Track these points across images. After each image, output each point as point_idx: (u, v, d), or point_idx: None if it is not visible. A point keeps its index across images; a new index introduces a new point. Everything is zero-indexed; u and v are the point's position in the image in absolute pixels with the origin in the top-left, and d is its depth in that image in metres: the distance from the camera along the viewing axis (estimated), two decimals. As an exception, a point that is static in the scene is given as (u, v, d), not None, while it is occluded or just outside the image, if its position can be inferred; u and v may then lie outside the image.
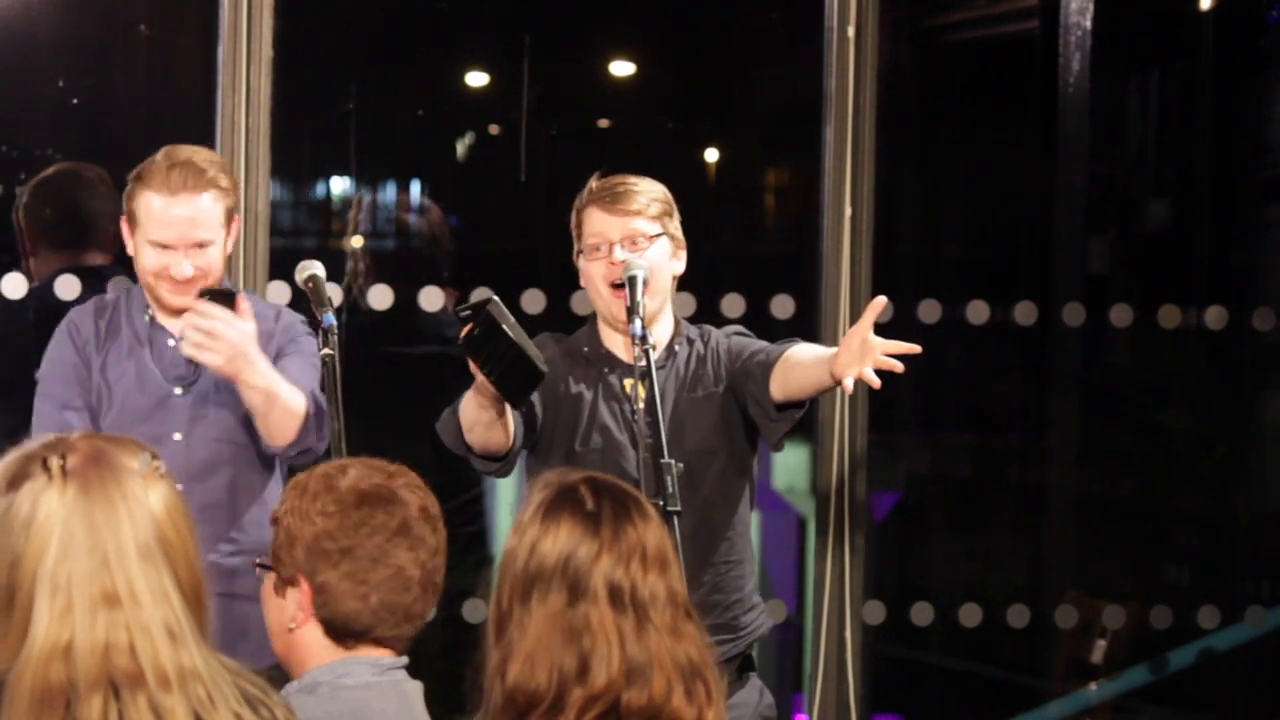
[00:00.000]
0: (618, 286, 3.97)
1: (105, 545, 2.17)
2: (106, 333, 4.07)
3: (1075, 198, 5.88)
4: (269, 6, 4.88)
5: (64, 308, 4.36)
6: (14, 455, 2.23)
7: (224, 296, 3.85)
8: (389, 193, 5.47)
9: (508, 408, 3.77)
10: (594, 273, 4.02)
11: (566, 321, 4.98)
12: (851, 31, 5.22)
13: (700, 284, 5.15)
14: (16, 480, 2.19)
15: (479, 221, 5.34)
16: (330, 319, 3.82)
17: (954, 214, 6.13)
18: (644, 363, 3.82)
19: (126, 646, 2.15)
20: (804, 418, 5.41)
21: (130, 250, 4.02)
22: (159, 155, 3.98)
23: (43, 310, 4.78)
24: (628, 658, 2.44)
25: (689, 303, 5.14)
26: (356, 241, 5.40)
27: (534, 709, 2.43)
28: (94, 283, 4.84)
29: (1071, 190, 5.87)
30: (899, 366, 3.74)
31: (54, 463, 2.19)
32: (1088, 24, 5.75)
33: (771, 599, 5.40)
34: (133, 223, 3.97)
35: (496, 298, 3.56)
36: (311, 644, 2.79)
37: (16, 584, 2.16)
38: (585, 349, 4.09)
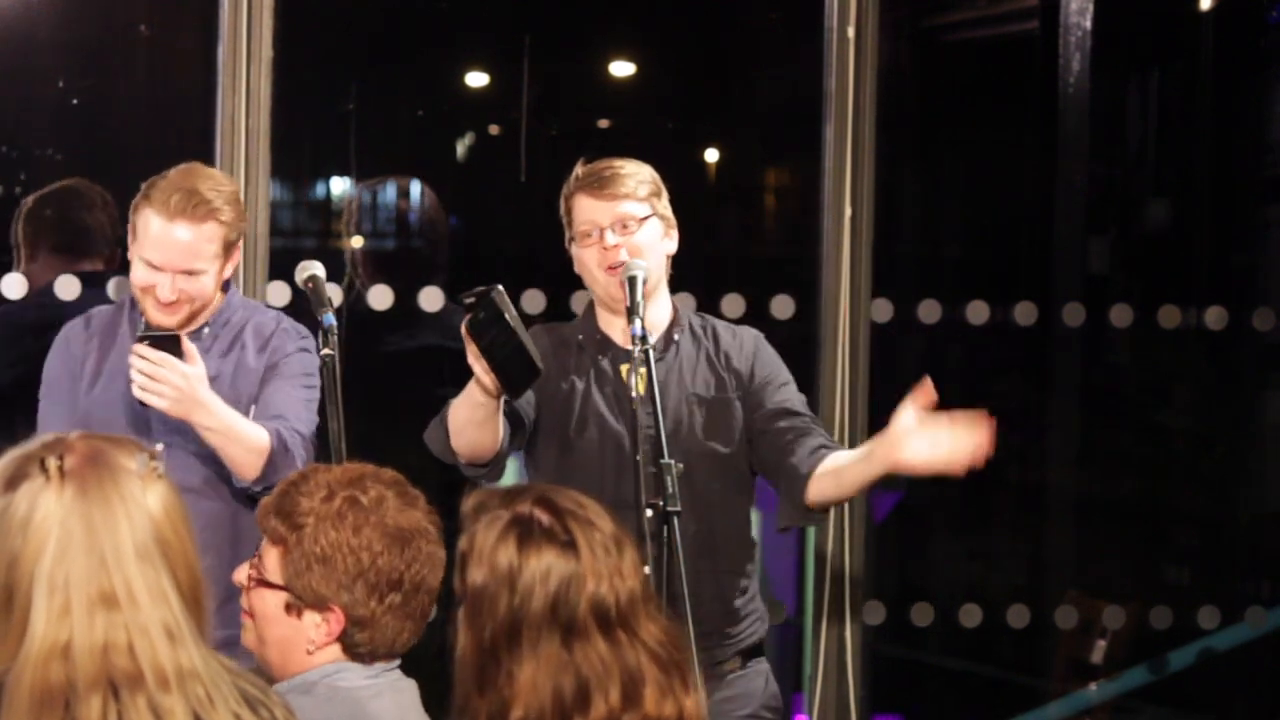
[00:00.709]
0: (614, 266, 3.97)
1: (103, 546, 2.17)
2: (98, 346, 4.04)
3: (1075, 198, 5.88)
4: (269, 6, 4.88)
5: (64, 308, 4.35)
6: (12, 455, 2.23)
7: (167, 341, 3.79)
8: (389, 193, 5.47)
9: (499, 406, 3.76)
10: (587, 259, 4.02)
11: (566, 321, 4.98)
12: (851, 31, 5.22)
13: (700, 284, 5.15)
14: (15, 480, 2.19)
15: (479, 221, 5.34)
16: (330, 319, 3.81)
17: (954, 214, 6.14)
18: (644, 362, 3.81)
19: (125, 646, 2.15)
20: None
21: (130, 257, 4.00)
22: (173, 173, 3.94)
23: (43, 313, 4.77)
24: (623, 681, 2.43)
25: (689, 303, 5.14)
26: (356, 241, 5.41)
27: None
28: (93, 285, 4.84)
29: (1071, 190, 5.87)
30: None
31: (52, 463, 2.19)
32: (1088, 24, 5.75)
33: (771, 599, 5.40)
34: (133, 234, 3.96)
35: (501, 287, 3.59)
36: (320, 659, 2.79)
37: (15, 584, 2.16)
38: (580, 336, 4.07)
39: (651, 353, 3.84)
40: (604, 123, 5.84)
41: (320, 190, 5.67)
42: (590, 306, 4.13)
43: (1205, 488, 6.01)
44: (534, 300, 5.22)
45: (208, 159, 4.73)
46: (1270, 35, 6.03)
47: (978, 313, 5.59)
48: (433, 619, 2.85)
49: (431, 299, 5.22)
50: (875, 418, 5.30)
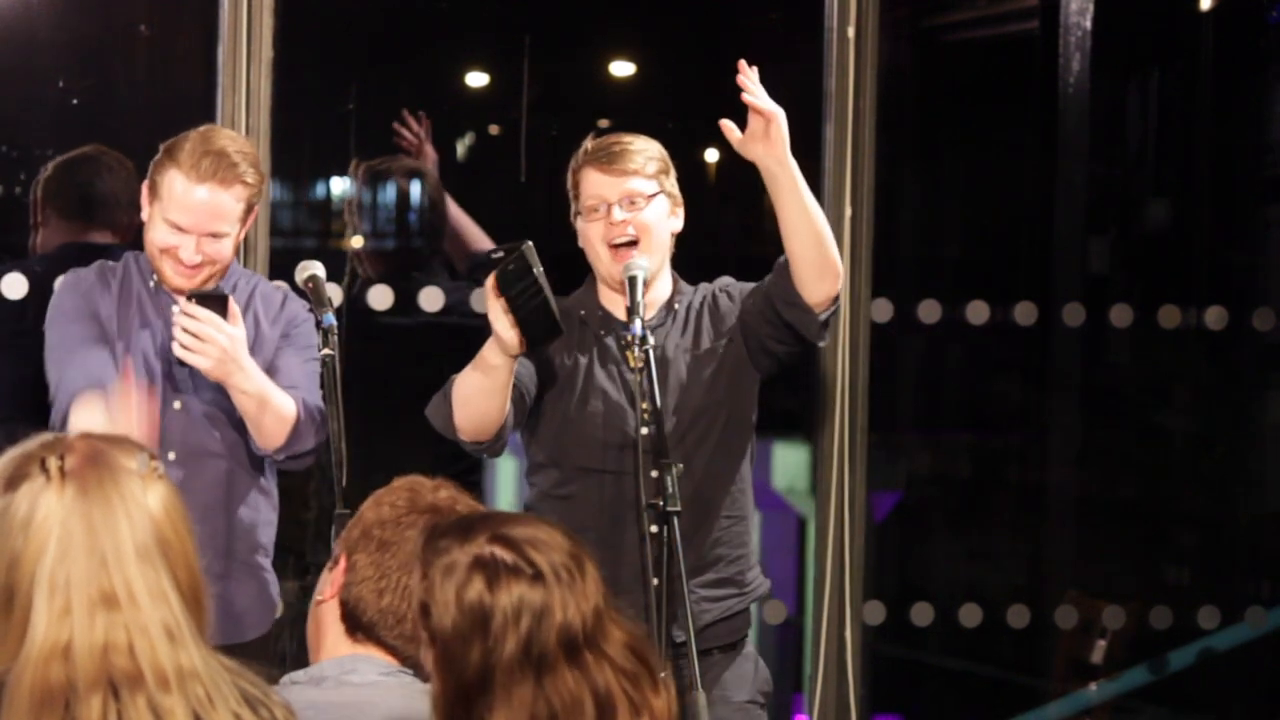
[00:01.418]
0: (617, 247, 3.97)
1: (103, 546, 2.17)
2: (120, 292, 4.02)
3: (1075, 198, 5.88)
4: (269, 6, 4.88)
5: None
6: (12, 455, 2.23)
7: (214, 300, 3.81)
8: (389, 192, 5.47)
9: (511, 376, 3.75)
10: (592, 234, 4.01)
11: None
12: (851, 31, 5.22)
13: (700, 284, 5.14)
14: (15, 480, 2.19)
15: (479, 221, 5.34)
16: (330, 319, 3.81)
17: (954, 214, 6.13)
18: (644, 365, 3.81)
19: (125, 647, 2.15)
20: (804, 417, 5.44)
21: (144, 216, 3.99)
22: (194, 134, 3.94)
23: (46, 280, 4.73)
24: (595, 706, 2.41)
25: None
26: (357, 241, 5.41)
27: None
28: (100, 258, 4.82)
29: (1071, 190, 5.87)
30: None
31: (52, 463, 2.19)
32: (1088, 24, 5.75)
33: (771, 599, 5.40)
34: (153, 193, 3.93)
35: (530, 243, 3.60)
36: (329, 625, 2.79)
37: (15, 585, 2.16)
38: (582, 311, 4.07)
39: (651, 353, 3.84)
40: (604, 123, 5.83)
41: (320, 190, 5.67)
42: (591, 279, 4.12)
43: (1205, 488, 6.01)
44: (534, 300, 5.21)
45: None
46: (1270, 35, 6.03)
47: (978, 313, 5.59)
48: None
49: (432, 299, 5.22)
50: (875, 418, 5.31)
